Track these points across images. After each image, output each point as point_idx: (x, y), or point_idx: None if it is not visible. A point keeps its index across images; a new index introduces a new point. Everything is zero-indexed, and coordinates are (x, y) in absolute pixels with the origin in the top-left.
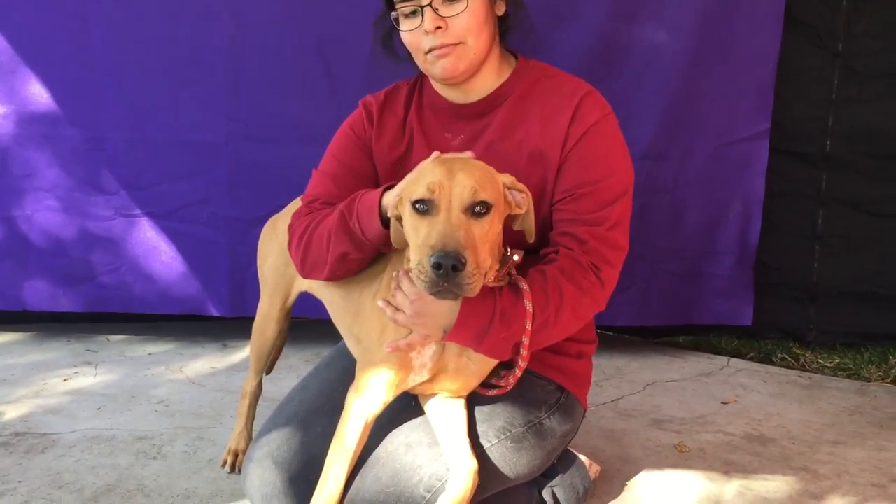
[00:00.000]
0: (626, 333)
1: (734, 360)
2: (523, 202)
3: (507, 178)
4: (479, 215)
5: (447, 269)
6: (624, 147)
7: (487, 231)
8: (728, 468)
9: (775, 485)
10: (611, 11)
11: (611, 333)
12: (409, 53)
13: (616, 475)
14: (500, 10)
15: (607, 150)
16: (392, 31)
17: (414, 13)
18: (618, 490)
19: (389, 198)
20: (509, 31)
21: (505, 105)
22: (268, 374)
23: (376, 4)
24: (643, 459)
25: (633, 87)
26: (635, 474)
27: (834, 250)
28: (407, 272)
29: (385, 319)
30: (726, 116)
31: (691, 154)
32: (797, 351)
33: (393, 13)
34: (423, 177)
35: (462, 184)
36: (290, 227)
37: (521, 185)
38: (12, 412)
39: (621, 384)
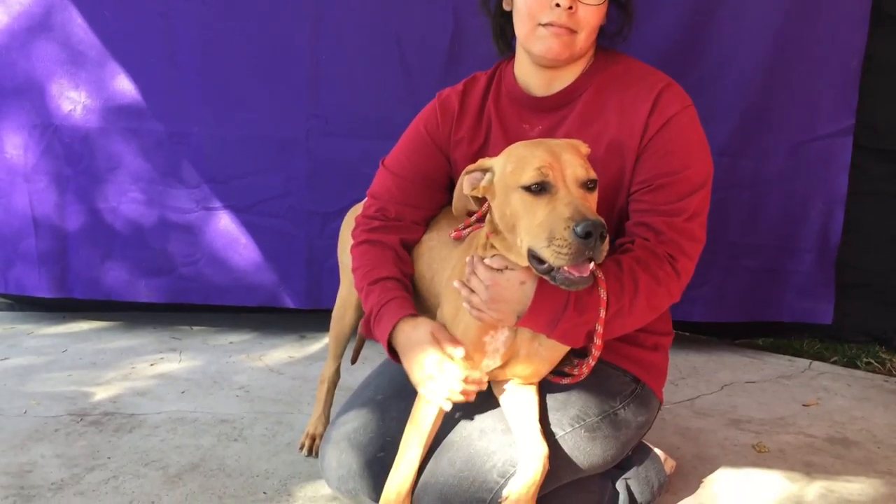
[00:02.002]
0: (703, 334)
1: (816, 363)
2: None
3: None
4: (590, 190)
5: (597, 236)
6: (703, 139)
7: (596, 206)
8: (809, 469)
9: (859, 487)
10: (692, 5)
11: (687, 333)
12: (496, 22)
13: (692, 472)
14: (604, 21)
15: (687, 141)
16: None
17: None
18: (693, 486)
19: (401, 334)
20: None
21: (583, 97)
22: (353, 363)
23: (453, 2)
24: (720, 458)
25: (713, 82)
26: (712, 472)
27: None
28: (482, 258)
29: (458, 304)
30: (808, 112)
31: (771, 150)
32: (883, 355)
33: None
34: (528, 162)
35: (572, 163)
36: (353, 232)
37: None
38: (102, 393)
39: (698, 384)
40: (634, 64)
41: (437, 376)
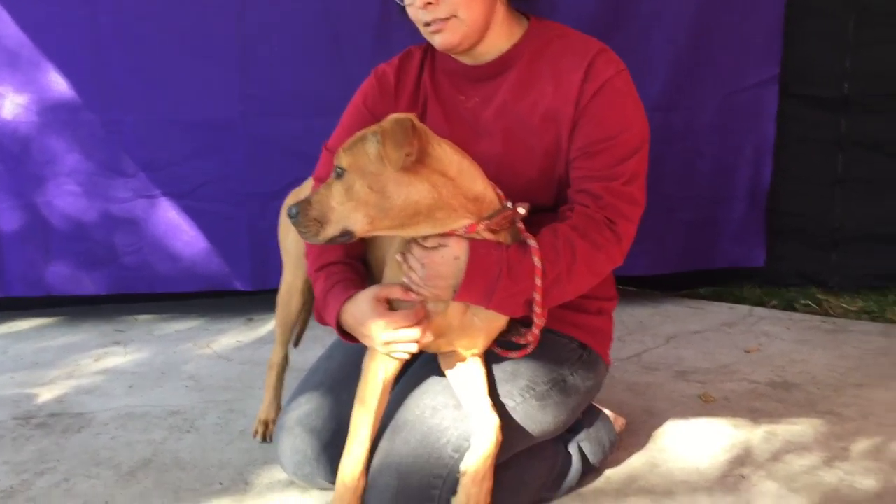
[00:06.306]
0: (647, 288)
1: (757, 309)
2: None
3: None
4: (338, 176)
5: (291, 215)
6: (638, 102)
7: (349, 190)
8: (754, 415)
9: (801, 429)
10: None
11: (633, 289)
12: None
13: (642, 427)
14: None
15: (622, 106)
16: None
17: None
18: (643, 441)
19: (347, 315)
20: None
21: (517, 66)
22: (296, 346)
23: None
24: (668, 411)
25: (642, 40)
26: (661, 425)
27: (855, 194)
28: (415, 238)
29: (396, 279)
30: (735, 64)
31: (702, 103)
32: (820, 296)
33: None
34: None
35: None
36: None
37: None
38: (47, 394)
39: (644, 338)
40: (568, 32)
41: (395, 337)
